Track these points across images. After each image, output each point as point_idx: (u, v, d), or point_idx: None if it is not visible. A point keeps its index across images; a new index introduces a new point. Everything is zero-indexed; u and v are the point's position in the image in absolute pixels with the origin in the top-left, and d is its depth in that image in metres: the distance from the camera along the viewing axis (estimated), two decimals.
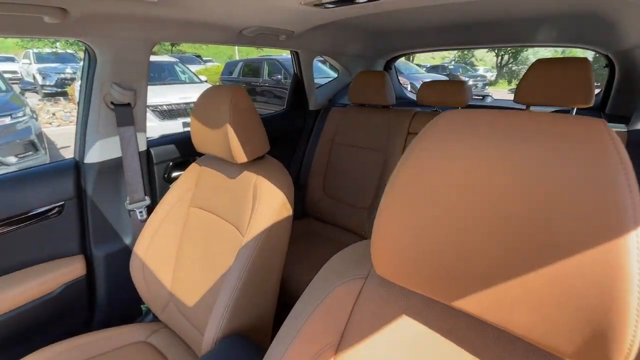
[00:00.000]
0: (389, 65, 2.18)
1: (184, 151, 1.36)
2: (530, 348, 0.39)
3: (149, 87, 1.19)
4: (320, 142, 1.81)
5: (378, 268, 0.44)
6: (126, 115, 1.09)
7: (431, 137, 0.38)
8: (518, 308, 0.33)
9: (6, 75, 4.87)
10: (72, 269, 1.11)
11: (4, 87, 4.67)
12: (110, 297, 1.20)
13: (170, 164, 1.33)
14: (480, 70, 17.02)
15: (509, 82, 17.30)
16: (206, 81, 6.86)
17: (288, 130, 1.85)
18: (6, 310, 0.98)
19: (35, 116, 4.60)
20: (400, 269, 0.41)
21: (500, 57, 18.11)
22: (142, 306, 1.31)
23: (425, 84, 1.50)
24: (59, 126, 7.29)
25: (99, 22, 0.89)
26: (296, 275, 1.30)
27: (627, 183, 0.28)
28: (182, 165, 1.37)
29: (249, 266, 0.83)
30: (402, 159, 0.40)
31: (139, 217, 1.19)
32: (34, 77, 9.40)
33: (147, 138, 1.24)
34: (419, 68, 10.83)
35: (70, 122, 7.58)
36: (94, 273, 1.17)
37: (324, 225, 1.74)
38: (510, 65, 18.33)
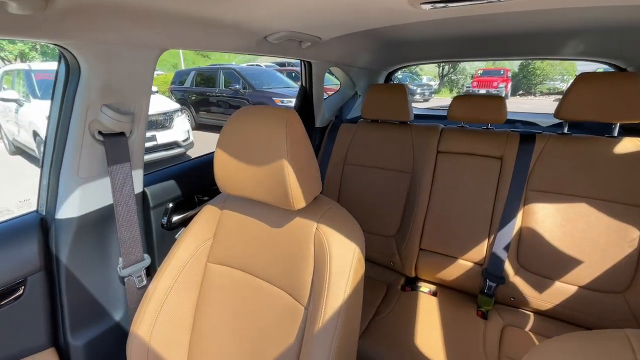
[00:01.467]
0: (389, 77, 2.06)
1: (184, 187, 1.07)
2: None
3: None
4: (330, 162, 1.60)
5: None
6: (120, 148, 0.78)
7: None
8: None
9: None
10: None
11: None
12: None
13: (170, 205, 1.02)
14: (424, 79, 18.14)
15: (451, 90, 18.67)
16: (157, 92, 6.25)
17: None
18: None
19: None
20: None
21: (441, 68, 19.48)
22: None
23: (457, 99, 1.38)
24: None
25: (90, 19, 0.60)
26: None
27: None
28: (183, 206, 1.07)
29: (334, 353, 0.60)
30: None
31: (137, 284, 0.87)
32: None
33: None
34: None
35: None
36: None
37: None
38: (450, 75, 19.81)
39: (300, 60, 1.46)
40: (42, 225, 0.77)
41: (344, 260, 0.67)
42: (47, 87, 4.88)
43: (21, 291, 0.74)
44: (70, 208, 0.77)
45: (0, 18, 0.49)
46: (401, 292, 1.33)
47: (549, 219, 1.17)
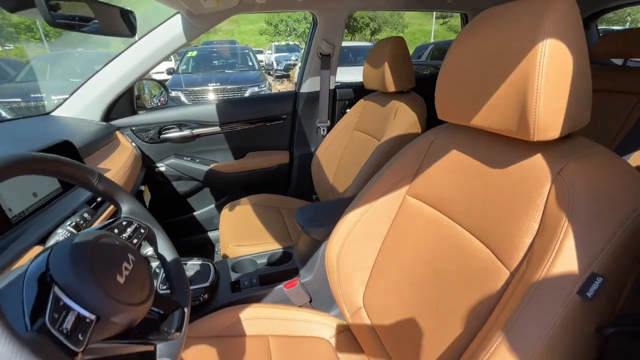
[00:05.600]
0: (587, 25, 1.90)
1: (357, 95, 1.87)
2: (502, 141, 0.62)
3: (346, 68, 1.72)
4: None
5: (440, 113, 0.70)
6: (326, 62, 1.67)
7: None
8: (493, 112, 0.55)
9: None
10: (283, 157, 1.84)
11: (257, 67, 6.78)
12: (296, 183, 1.89)
13: (347, 102, 1.87)
14: None
15: None
16: None
17: None
18: (250, 169, 1.78)
19: (270, 88, 6.51)
20: (456, 108, 0.64)
21: None
22: (313, 196, 1.95)
23: (608, 35, 1.36)
24: None
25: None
26: None
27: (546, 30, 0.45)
28: (353, 103, 1.88)
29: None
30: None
31: (322, 133, 1.80)
32: (272, 64, 12.70)
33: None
34: None
35: None
36: (292, 164, 1.88)
37: None
38: None
39: (460, 12, 1.85)
40: (294, 95, 1.80)
41: (406, 116, 1.21)
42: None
43: (284, 119, 1.81)
44: (304, 88, 1.75)
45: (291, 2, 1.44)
46: None
47: None
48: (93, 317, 0.41)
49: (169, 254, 0.68)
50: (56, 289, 0.41)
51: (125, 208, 0.65)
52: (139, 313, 0.49)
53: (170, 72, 6.58)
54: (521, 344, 0.42)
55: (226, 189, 1.84)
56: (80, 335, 0.39)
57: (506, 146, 0.61)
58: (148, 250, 0.68)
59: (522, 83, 0.49)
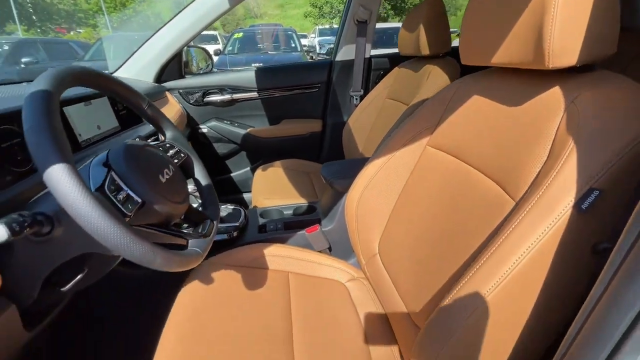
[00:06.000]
0: None
1: (392, 64, 1.86)
2: (523, 79, 0.62)
3: (390, 50, 1.72)
4: None
5: (464, 57, 0.71)
6: (363, 29, 1.68)
7: None
8: (511, 46, 0.56)
9: None
10: (316, 125, 1.90)
11: (299, 48, 6.86)
12: (328, 150, 1.95)
13: (381, 72, 1.86)
14: None
15: None
16: None
17: None
18: (284, 135, 1.87)
19: None
20: (478, 49, 0.65)
21: None
22: None
23: None
24: None
25: None
26: None
27: None
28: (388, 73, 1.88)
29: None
30: None
31: (354, 102, 1.82)
32: (315, 47, 12.67)
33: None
34: None
35: None
36: (325, 132, 1.93)
37: None
38: None
39: None
40: (330, 63, 1.83)
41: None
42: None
43: (318, 87, 1.86)
44: (340, 56, 1.77)
45: None
46: None
47: None
48: (139, 200, 0.51)
49: (203, 179, 0.77)
50: (113, 174, 0.51)
51: (169, 134, 0.75)
52: (175, 210, 0.58)
53: (217, 53, 6.86)
54: (514, 250, 0.45)
55: (261, 153, 1.95)
56: (129, 205, 0.48)
57: (526, 83, 0.61)
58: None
59: (539, 8, 0.50)
